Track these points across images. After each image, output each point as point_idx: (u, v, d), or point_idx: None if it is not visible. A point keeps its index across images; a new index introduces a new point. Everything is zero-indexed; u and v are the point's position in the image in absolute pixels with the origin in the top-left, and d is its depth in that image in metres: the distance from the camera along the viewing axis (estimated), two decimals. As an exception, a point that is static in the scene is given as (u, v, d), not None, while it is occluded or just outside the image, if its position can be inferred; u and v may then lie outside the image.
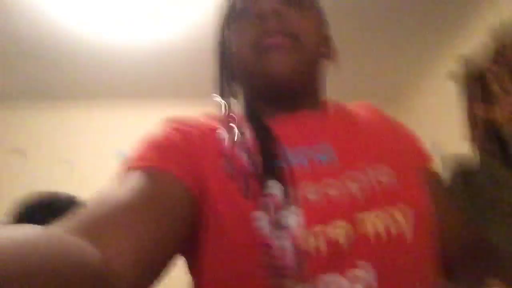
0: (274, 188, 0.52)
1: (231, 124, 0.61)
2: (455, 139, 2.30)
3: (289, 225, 0.50)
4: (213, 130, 0.61)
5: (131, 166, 0.55)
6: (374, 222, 0.52)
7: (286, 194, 0.52)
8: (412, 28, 2.38)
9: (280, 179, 0.53)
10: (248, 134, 0.60)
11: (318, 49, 0.66)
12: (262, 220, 0.50)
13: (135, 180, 0.51)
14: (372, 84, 2.97)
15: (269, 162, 0.55)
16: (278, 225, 0.49)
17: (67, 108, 3.07)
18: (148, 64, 2.65)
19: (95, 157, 2.99)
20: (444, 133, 2.48)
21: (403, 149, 0.65)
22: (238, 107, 0.67)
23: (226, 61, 0.69)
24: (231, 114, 0.63)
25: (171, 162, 0.54)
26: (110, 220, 0.44)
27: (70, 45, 2.42)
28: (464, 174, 1.56)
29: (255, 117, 0.64)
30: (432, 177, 0.66)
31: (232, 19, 0.67)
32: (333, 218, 0.52)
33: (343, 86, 3.05)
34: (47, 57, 2.52)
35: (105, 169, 2.95)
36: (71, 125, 3.05)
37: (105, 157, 2.99)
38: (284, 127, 0.61)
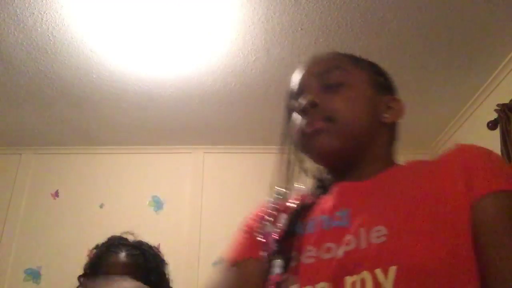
0: (277, 267, 0.64)
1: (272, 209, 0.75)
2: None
3: None
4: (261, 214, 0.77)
5: (227, 260, 0.73)
6: (354, 283, 0.56)
7: (285, 271, 0.63)
8: (447, 75, 2.37)
9: (286, 252, 0.65)
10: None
11: (363, 120, 0.73)
12: None
13: (225, 273, 0.72)
14: (407, 131, 2.93)
15: (282, 238, 0.67)
16: None
17: (104, 153, 3.17)
18: (183, 112, 2.73)
19: (127, 201, 3.03)
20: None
21: (434, 201, 0.60)
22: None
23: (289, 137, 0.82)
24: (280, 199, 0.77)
25: (250, 248, 0.72)
26: None
27: (109, 93, 2.53)
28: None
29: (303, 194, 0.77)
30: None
31: (289, 108, 0.81)
32: (319, 281, 0.59)
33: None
34: (86, 103, 2.64)
35: (135, 213, 2.98)
36: (106, 170, 3.13)
37: (137, 202, 3.03)
38: (324, 197, 0.72)
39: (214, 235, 2.93)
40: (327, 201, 0.70)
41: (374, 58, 0.82)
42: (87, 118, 2.79)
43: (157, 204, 3.02)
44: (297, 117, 0.75)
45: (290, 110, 0.80)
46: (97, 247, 1.48)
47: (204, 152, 3.16)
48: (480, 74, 2.33)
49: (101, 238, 1.52)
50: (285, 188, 0.77)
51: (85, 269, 1.44)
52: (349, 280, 0.56)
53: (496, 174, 0.61)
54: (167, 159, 3.16)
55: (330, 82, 0.74)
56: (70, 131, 2.96)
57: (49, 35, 2.08)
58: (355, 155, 0.72)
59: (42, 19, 1.98)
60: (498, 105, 2.18)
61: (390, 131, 0.77)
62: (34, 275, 2.83)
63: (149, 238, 1.54)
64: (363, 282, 0.55)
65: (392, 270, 0.53)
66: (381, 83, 0.79)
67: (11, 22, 2.00)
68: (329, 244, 0.61)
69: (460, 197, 0.59)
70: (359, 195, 0.67)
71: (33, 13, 1.95)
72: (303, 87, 0.76)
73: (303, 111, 0.72)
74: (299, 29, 2.04)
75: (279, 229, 0.69)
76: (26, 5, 1.91)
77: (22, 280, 2.82)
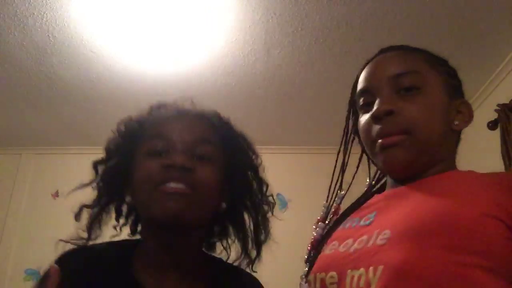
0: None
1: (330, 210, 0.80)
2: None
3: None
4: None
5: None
6: (353, 277, 0.61)
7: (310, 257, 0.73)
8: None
9: (321, 244, 0.73)
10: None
11: (438, 131, 0.70)
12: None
13: None
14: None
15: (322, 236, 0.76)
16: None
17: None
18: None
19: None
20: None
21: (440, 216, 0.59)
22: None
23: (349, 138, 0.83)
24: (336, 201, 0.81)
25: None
26: None
27: (109, 93, 2.53)
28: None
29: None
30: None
31: (354, 107, 0.79)
32: (330, 270, 0.66)
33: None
34: (85, 104, 2.64)
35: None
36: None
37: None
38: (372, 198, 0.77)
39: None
40: (372, 204, 0.74)
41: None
42: (87, 118, 2.79)
43: (157, 204, 3.02)
44: (365, 120, 0.73)
45: (355, 108, 0.78)
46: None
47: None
48: (480, 74, 2.33)
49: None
50: (340, 189, 0.81)
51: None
52: (350, 273, 0.62)
53: None
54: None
55: (405, 86, 0.69)
56: (70, 131, 2.96)
57: (49, 35, 2.08)
58: (424, 166, 0.70)
59: (42, 19, 1.98)
60: (498, 105, 2.18)
61: (457, 136, 0.75)
62: (34, 275, 2.83)
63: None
64: (359, 277, 0.60)
65: (380, 269, 0.57)
66: (453, 86, 0.76)
67: (11, 22, 2.00)
68: (348, 240, 0.67)
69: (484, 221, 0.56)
70: (391, 198, 0.70)
71: (33, 13, 1.95)
72: (374, 88, 0.72)
73: (377, 118, 0.69)
74: (299, 29, 2.04)
75: (325, 229, 0.76)
76: (26, 5, 1.91)
77: (22, 280, 2.82)
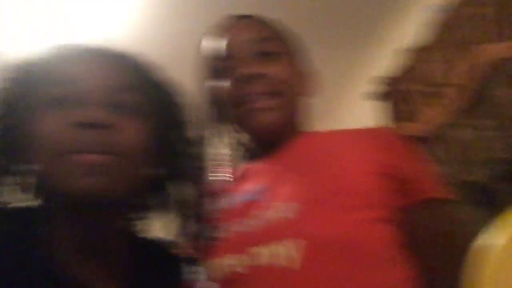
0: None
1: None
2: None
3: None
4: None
5: None
6: (260, 254, 0.57)
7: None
8: (324, 50, 1.71)
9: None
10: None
11: (297, 92, 0.71)
12: None
13: None
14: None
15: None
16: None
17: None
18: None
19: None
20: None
21: (346, 179, 0.61)
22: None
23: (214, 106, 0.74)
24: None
25: None
26: None
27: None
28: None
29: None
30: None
31: (213, 72, 0.72)
32: (227, 253, 0.60)
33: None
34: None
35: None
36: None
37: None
38: (245, 173, 0.71)
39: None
40: (246, 175, 0.70)
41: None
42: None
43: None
44: (224, 84, 0.68)
45: (215, 75, 0.71)
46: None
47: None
48: (357, 46, 2.16)
49: None
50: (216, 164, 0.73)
51: None
52: (255, 250, 0.57)
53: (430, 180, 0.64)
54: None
55: (266, 51, 0.68)
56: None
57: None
58: (285, 129, 0.70)
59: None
60: (373, 77, 1.87)
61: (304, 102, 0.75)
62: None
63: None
64: (272, 254, 0.56)
65: (300, 243, 0.55)
66: (301, 56, 0.77)
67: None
68: (244, 219, 0.62)
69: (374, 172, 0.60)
70: (275, 169, 0.66)
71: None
72: (233, 52, 0.69)
73: (242, 81, 0.66)
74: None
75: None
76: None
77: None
